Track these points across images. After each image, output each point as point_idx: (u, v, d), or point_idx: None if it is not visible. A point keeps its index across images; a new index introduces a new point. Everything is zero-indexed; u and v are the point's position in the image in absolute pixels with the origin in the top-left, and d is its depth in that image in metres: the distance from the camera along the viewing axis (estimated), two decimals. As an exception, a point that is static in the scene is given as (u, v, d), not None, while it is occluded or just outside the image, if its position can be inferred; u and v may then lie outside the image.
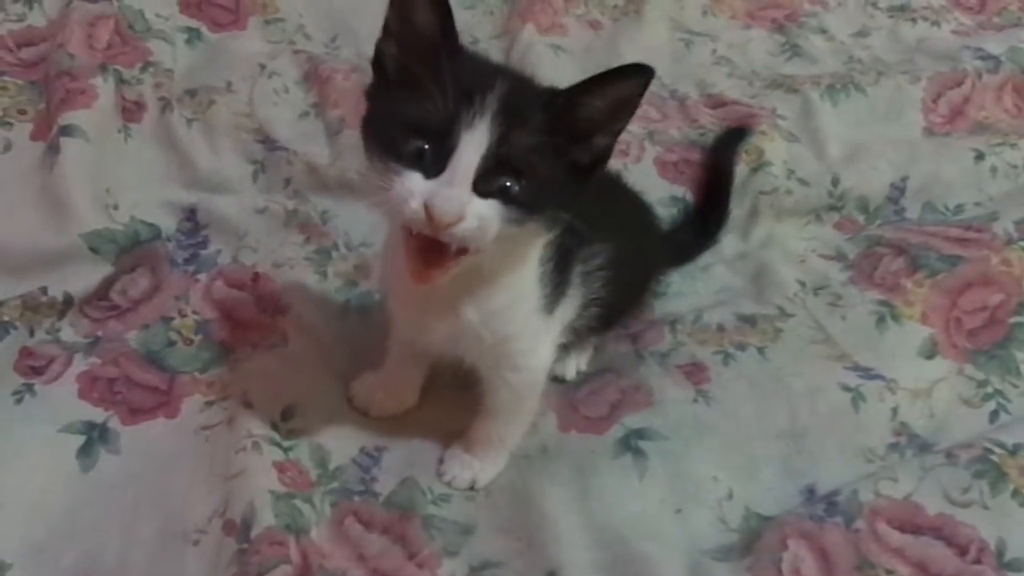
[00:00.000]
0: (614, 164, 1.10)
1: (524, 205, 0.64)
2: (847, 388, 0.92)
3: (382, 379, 0.90)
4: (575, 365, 0.94)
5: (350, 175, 1.06)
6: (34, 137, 1.02)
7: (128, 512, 0.79)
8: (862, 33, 1.39)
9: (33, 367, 0.88)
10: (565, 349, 0.87)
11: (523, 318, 0.76)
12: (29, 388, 0.86)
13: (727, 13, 1.40)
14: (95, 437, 0.84)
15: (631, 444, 0.87)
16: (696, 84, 1.27)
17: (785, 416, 0.90)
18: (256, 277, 0.99)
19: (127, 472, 0.82)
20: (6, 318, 0.88)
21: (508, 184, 0.63)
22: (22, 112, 1.03)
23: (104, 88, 1.03)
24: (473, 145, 0.61)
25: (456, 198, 0.61)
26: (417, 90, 0.63)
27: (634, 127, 1.16)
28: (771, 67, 1.31)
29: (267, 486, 0.78)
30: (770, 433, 0.89)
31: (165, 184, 1.04)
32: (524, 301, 0.75)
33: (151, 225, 0.99)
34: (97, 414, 0.86)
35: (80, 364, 0.89)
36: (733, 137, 1.14)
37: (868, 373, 0.94)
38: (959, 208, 1.11)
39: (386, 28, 0.67)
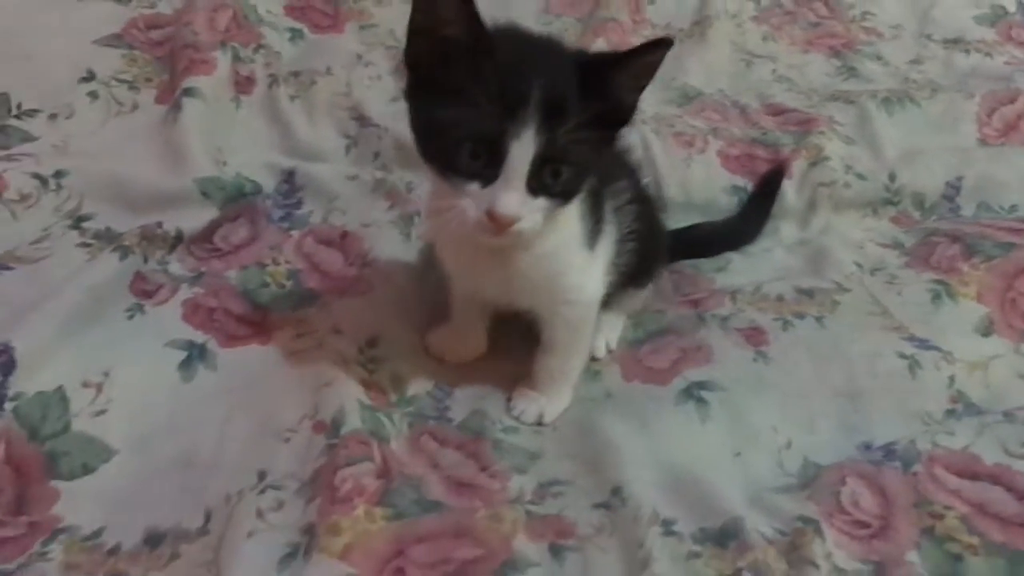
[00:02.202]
0: (681, 154, 1.18)
1: (571, 191, 0.71)
2: (903, 356, 0.95)
3: (453, 329, 0.96)
4: (604, 342, 0.97)
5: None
6: (159, 101, 1.13)
7: (223, 416, 0.85)
8: (917, 61, 1.46)
9: (145, 290, 0.96)
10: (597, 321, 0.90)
11: (569, 255, 0.80)
12: (140, 308, 0.94)
13: (786, 40, 1.48)
14: (195, 355, 0.91)
15: (693, 393, 0.90)
16: (757, 96, 1.34)
17: (842, 377, 0.93)
18: (345, 235, 1.07)
19: (223, 385, 0.88)
20: (126, 243, 0.97)
21: (557, 177, 0.69)
22: (148, 80, 1.15)
23: (223, 60, 1.14)
24: (523, 148, 0.66)
25: (515, 202, 0.67)
26: (459, 95, 0.66)
27: (698, 122, 1.24)
28: (828, 85, 1.38)
29: (355, 395, 0.84)
30: (828, 392, 0.92)
31: (268, 150, 1.14)
32: (569, 240, 0.80)
33: (254, 182, 1.09)
34: (197, 336, 0.93)
35: (185, 292, 0.97)
36: (776, 176, 1.17)
37: (924, 344, 0.97)
38: (1014, 208, 1.16)
39: (413, 27, 0.68)
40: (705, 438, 0.87)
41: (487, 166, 0.68)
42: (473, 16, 0.66)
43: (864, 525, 0.78)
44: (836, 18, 1.54)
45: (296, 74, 1.21)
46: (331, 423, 0.81)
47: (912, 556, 0.75)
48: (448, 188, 0.70)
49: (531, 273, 0.80)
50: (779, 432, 0.88)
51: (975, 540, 0.76)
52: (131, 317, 0.93)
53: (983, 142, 1.27)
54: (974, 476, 0.83)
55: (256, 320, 0.97)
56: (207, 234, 1.04)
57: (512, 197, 0.68)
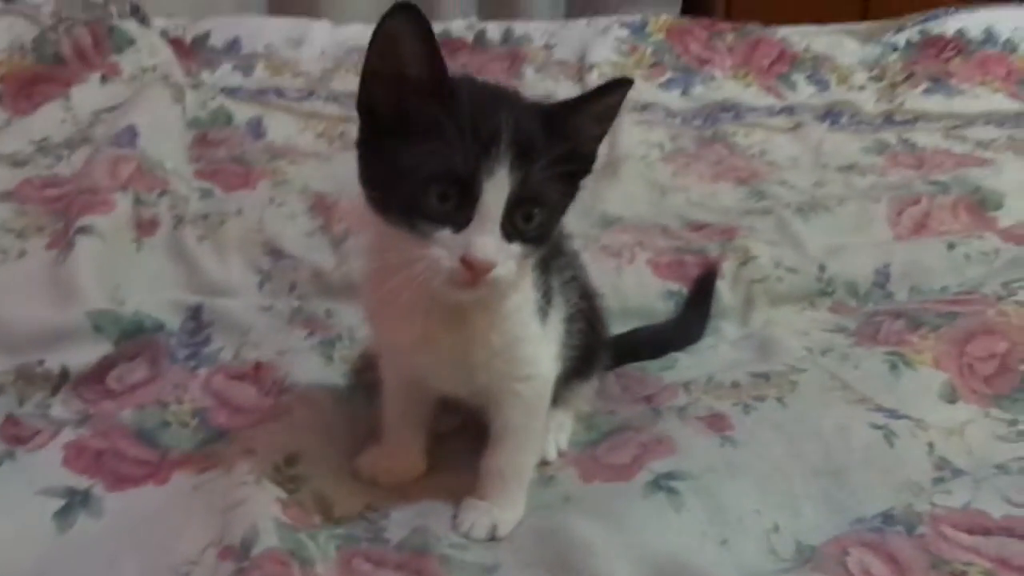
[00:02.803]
0: (611, 264, 1.15)
1: (544, 235, 0.68)
2: (876, 426, 0.88)
3: (387, 448, 0.86)
4: (555, 444, 0.88)
5: (354, 278, 1.08)
6: (49, 247, 1.05)
7: (106, 562, 0.70)
8: (819, 184, 1.51)
9: (17, 435, 0.82)
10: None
11: (526, 322, 0.75)
12: (10, 454, 0.80)
13: (694, 175, 1.53)
14: (76, 501, 0.77)
15: (661, 484, 0.80)
16: (676, 217, 1.35)
17: (818, 454, 0.85)
18: (258, 366, 0.97)
19: (108, 531, 0.74)
20: (-1, 381, 0.85)
21: (530, 220, 0.66)
22: (40, 229, 1.07)
23: (122, 201, 1.08)
24: (497, 187, 0.63)
25: (492, 246, 0.63)
26: (424, 135, 0.63)
27: (624, 237, 1.23)
28: (742, 206, 1.41)
29: (270, 514, 0.71)
30: (806, 471, 0.83)
31: (172, 289, 1.05)
32: (525, 304, 0.75)
33: (155, 318, 0.99)
34: (80, 481, 0.79)
35: (68, 435, 0.84)
36: (709, 276, 1.15)
37: (893, 413, 0.90)
38: (944, 289, 1.15)
39: (369, 69, 0.65)
40: (683, 528, 0.76)
41: (459, 208, 0.63)
42: (436, 54, 0.64)
43: (881, 591, 0.67)
44: (737, 156, 1.62)
45: (205, 216, 1.15)
46: (240, 545, 0.67)
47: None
48: (412, 239, 0.64)
49: (491, 337, 0.73)
50: (763, 515, 0.78)
51: (1009, 592, 0.66)
52: (-2, 465, 0.79)
53: (898, 239, 1.29)
54: (986, 531, 0.74)
55: (152, 460, 0.84)
56: (99, 374, 0.92)
57: (489, 240, 0.63)
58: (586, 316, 0.86)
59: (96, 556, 0.71)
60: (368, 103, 0.67)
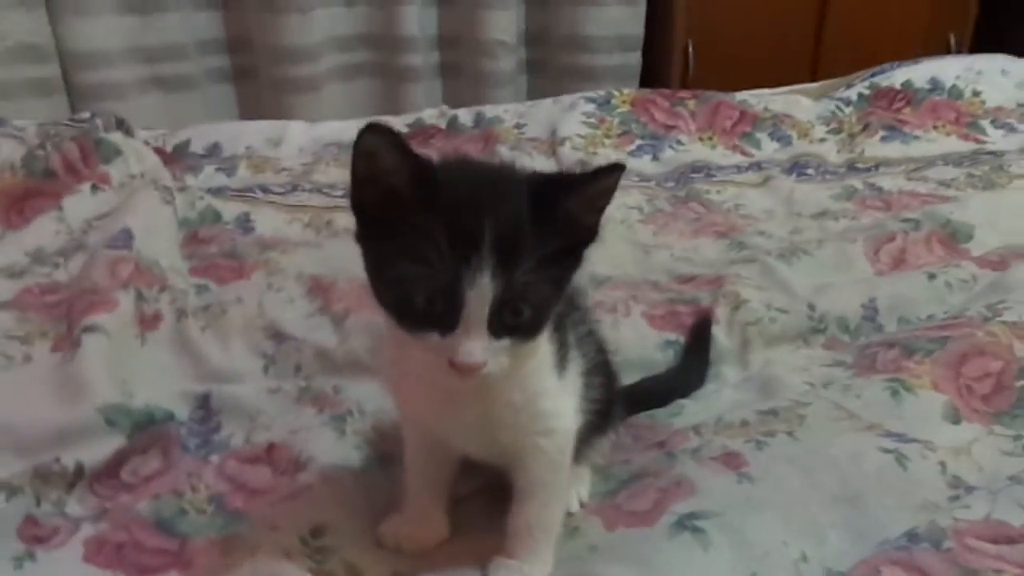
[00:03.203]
0: (608, 319, 1.18)
1: (536, 327, 0.68)
2: (886, 450, 0.90)
3: (409, 515, 0.86)
4: (576, 496, 0.89)
5: (358, 354, 1.10)
6: (54, 350, 1.05)
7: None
8: (795, 231, 1.57)
9: (37, 535, 0.81)
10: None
11: (544, 378, 0.76)
12: (31, 554, 0.79)
13: (675, 233, 1.58)
14: (101, 595, 0.76)
15: (686, 524, 0.81)
16: (664, 273, 1.39)
17: (835, 483, 0.86)
18: (271, 447, 0.97)
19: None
20: (15, 483, 0.84)
21: (519, 317, 0.66)
22: (44, 334, 1.08)
23: (125, 299, 1.10)
24: (479, 295, 0.63)
25: (476, 351, 0.65)
26: (407, 246, 0.64)
27: (617, 293, 1.26)
28: (724, 258, 1.45)
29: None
30: (826, 500, 0.84)
31: (180, 380, 1.06)
32: (544, 360, 0.76)
33: (165, 410, 0.99)
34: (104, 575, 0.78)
35: (87, 531, 0.83)
36: (705, 323, 1.19)
37: (902, 437, 0.92)
38: (931, 318, 1.19)
39: (356, 174, 0.67)
40: (712, 564, 0.76)
41: (444, 314, 0.64)
42: (415, 165, 0.65)
43: (920, 605, 0.67)
44: (713, 212, 1.67)
45: (205, 308, 1.17)
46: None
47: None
48: (407, 338, 0.67)
49: (511, 396, 0.73)
50: (789, 546, 0.79)
51: (1045, 595, 0.67)
52: (18, 567, 0.78)
53: (879, 275, 1.33)
54: (1010, 540, 0.75)
55: (173, 550, 0.83)
56: (113, 469, 0.91)
57: (474, 345, 0.64)
58: (603, 370, 0.87)
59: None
60: (359, 204, 0.69)
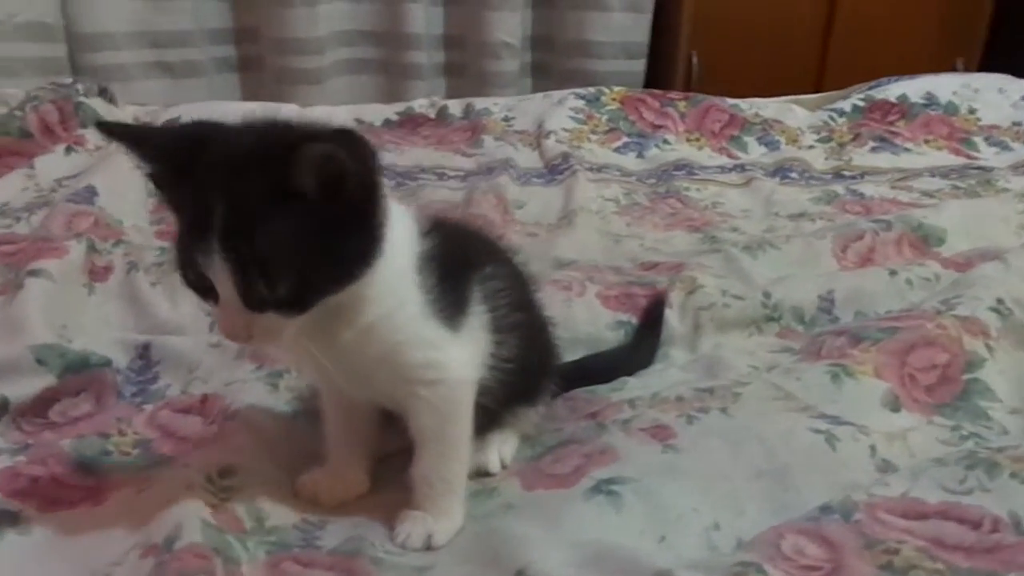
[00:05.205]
0: (560, 296, 1.17)
1: (304, 297, 0.65)
2: (818, 431, 0.88)
3: (328, 468, 0.85)
4: (499, 457, 0.87)
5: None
6: (0, 293, 1.06)
7: (30, 571, 0.69)
8: (770, 230, 1.55)
9: (-50, 464, 0.82)
10: (485, 433, 0.85)
11: (406, 326, 0.73)
12: (-59, 480, 0.79)
13: (649, 225, 1.57)
14: (3, 520, 0.76)
15: (602, 488, 0.80)
16: (629, 260, 1.38)
17: (761, 458, 0.85)
18: (204, 398, 0.97)
19: (36, 544, 0.73)
20: (-70, 411, 0.84)
21: (274, 290, 0.64)
22: (-8, 279, 1.09)
23: (76, 248, 1.10)
24: (219, 273, 0.63)
25: (231, 325, 0.66)
26: (178, 224, 0.67)
27: (574, 273, 1.25)
28: (694, 251, 1.44)
29: (197, 513, 0.70)
30: (750, 473, 0.83)
31: (122, 330, 1.06)
32: (400, 309, 0.72)
33: (101, 355, 0.99)
34: (10, 504, 0.78)
35: (3, 461, 0.83)
36: (658, 305, 1.17)
37: (836, 420, 0.90)
38: (889, 312, 1.17)
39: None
40: (622, 525, 0.75)
41: (203, 290, 0.66)
42: (172, 139, 0.68)
43: (813, 568, 0.66)
44: (691, 208, 1.67)
45: (160, 264, 1.17)
46: (163, 542, 0.66)
47: (876, 589, 0.62)
48: None
49: (365, 350, 0.72)
50: (702, 513, 0.78)
51: (940, 566, 0.65)
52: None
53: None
54: (921, 516, 0.73)
55: (90, 485, 0.83)
56: (41, 407, 0.92)
57: (228, 319, 0.65)
58: (525, 333, 0.85)
59: (21, 568, 0.69)
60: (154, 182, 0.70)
